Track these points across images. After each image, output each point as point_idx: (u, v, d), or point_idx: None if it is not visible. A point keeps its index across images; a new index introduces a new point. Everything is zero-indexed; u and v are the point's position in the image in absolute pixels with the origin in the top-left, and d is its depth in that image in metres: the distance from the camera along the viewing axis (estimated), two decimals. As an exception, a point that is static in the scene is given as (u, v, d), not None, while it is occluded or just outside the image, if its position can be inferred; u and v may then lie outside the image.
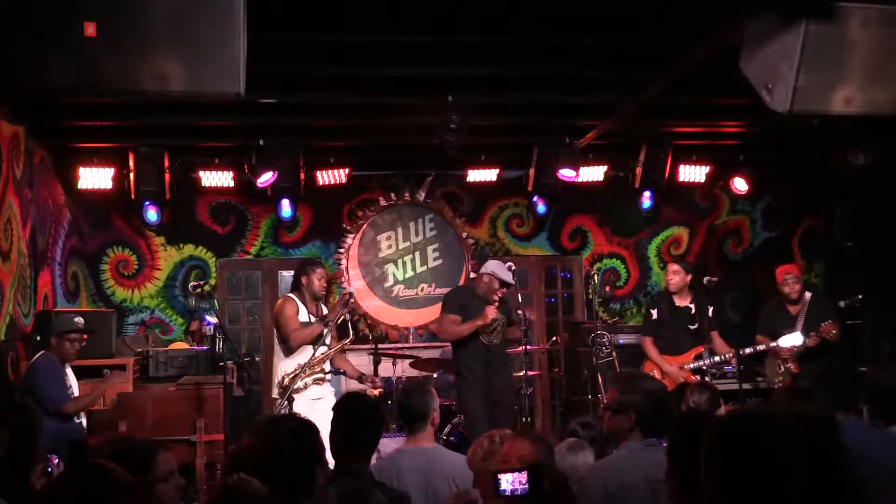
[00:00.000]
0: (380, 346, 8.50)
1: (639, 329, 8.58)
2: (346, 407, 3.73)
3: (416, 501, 3.50)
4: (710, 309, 6.72)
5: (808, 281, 7.41)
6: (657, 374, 6.49)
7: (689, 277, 6.73)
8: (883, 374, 4.71)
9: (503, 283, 6.20)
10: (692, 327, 6.58)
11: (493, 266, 6.33)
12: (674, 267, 6.81)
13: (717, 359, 6.51)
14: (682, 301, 6.68)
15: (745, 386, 7.14)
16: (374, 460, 3.84)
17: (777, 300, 7.03)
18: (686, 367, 6.48)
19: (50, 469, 3.51)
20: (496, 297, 6.21)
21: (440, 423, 6.98)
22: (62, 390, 5.69)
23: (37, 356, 5.75)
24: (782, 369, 6.66)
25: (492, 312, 6.07)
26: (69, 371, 5.90)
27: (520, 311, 6.19)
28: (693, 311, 6.62)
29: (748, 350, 6.55)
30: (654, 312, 6.77)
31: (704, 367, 6.51)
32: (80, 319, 6.09)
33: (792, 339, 6.54)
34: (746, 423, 1.84)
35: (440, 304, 8.87)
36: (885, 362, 7.22)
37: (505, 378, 6.26)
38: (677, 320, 6.62)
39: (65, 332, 5.86)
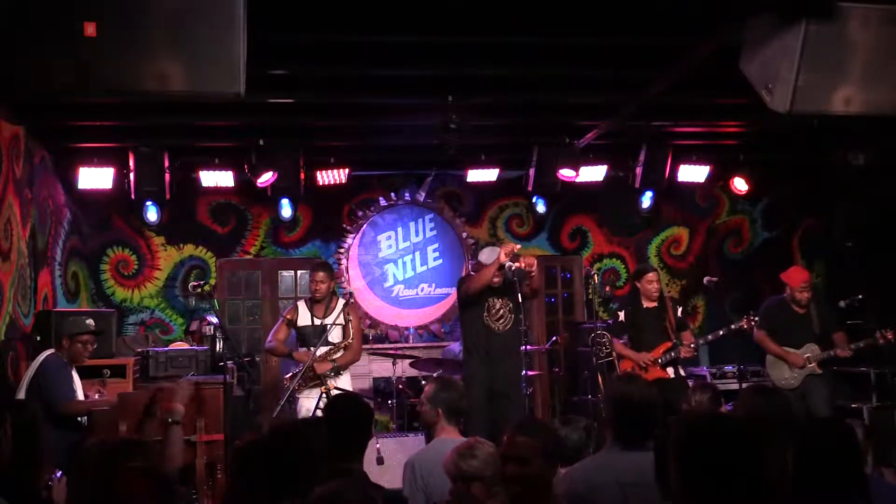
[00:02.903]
0: (380, 345, 8.55)
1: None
2: (337, 408, 3.73)
3: None
4: (679, 309, 6.91)
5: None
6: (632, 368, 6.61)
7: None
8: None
9: (481, 263, 6.25)
10: (660, 324, 6.70)
11: (483, 253, 6.41)
12: (655, 276, 6.89)
13: (691, 345, 6.68)
14: (649, 303, 6.80)
15: (745, 385, 7.16)
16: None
17: (779, 299, 7.03)
18: (657, 362, 6.58)
19: (51, 483, 3.50)
20: (496, 284, 6.23)
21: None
22: (69, 389, 5.68)
23: (47, 354, 5.73)
24: (800, 368, 6.71)
25: (507, 249, 6.03)
26: (74, 373, 5.89)
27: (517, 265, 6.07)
28: (659, 311, 6.75)
29: (721, 332, 6.69)
30: (622, 314, 6.90)
31: (675, 357, 6.59)
32: (91, 321, 6.03)
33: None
34: (701, 427, 2.07)
35: (440, 304, 9.01)
36: (885, 362, 7.22)
37: (507, 368, 6.18)
38: (645, 321, 6.75)
39: (77, 333, 5.84)
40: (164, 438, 3.95)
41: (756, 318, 6.63)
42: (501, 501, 3.01)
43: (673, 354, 6.58)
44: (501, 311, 6.32)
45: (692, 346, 6.73)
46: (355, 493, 2.55)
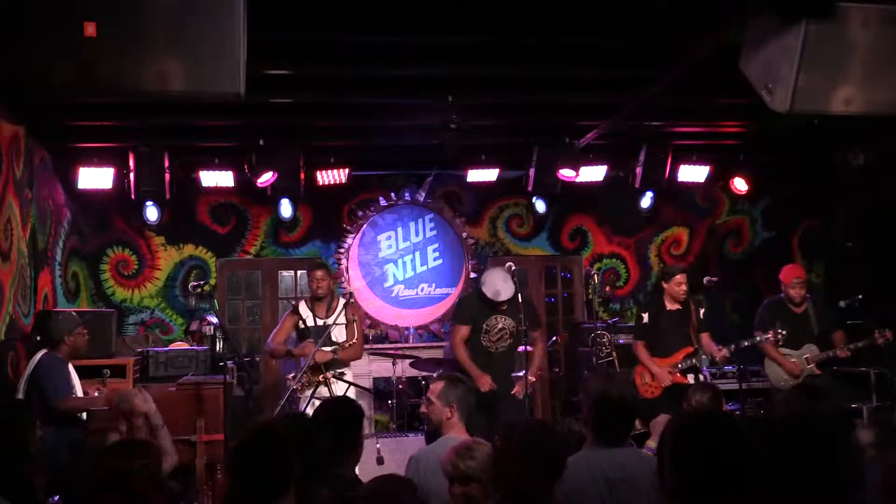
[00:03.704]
0: (380, 345, 8.55)
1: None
2: (328, 413, 3.73)
3: None
4: (702, 311, 6.73)
5: (808, 281, 7.44)
6: (648, 378, 6.53)
7: None
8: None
9: (495, 302, 6.29)
10: (683, 329, 6.57)
11: (488, 285, 6.31)
12: (684, 277, 6.65)
13: (704, 357, 6.57)
14: (672, 305, 6.65)
15: (745, 385, 7.16)
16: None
17: (777, 299, 7.02)
18: (677, 367, 6.45)
19: None
20: (500, 308, 6.33)
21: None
22: (66, 386, 5.69)
23: (41, 354, 5.75)
24: (802, 370, 6.69)
25: (485, 385, 6.11)
26: (72, 370, 5.90)
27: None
28: (683, 314, 6.61)
29: (744, 344, 6.58)
30: (646, 316, 6.74)
31: (696, 364, 6.48)
32: (74, 313, 6.25)
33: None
34: (694, 425, 2.15)
35: (440, 304, 9.01)
36: (884, 362, 7.22)
37: (505, 384, 6.26)
38: (668, 323, 6.61)
39: (74, 328, 5.88)
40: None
41: (783, 332, 6.49)
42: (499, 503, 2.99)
43: (693, 361, 6.45)
44: (501, 331, 6.36)
45: (721, 351, 6.47)
46: (410, 493, 2.55)
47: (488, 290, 6.29)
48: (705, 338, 6.64)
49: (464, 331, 6.40)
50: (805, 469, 2.16)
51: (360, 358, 6.49)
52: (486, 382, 6.13)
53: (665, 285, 6.69)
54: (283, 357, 6.64)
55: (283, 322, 6.50)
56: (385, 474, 3.10)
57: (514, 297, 6.24)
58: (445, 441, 3.87)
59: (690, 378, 6.42)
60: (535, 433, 2.92)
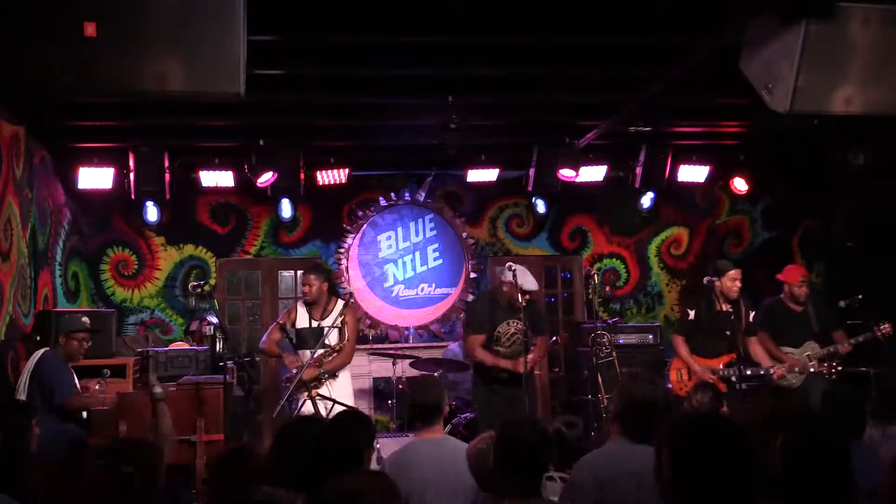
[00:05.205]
0: (380, 346, 8.55)
1: (639, 328, 8.67)
2: (338, 427, 3.76)
3: (432, 489, 3.59)
4: (752, 314, 6.51)
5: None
6: (684, 375, 6.43)
7: None
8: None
9: (525, 291, 6.11)
10: (728, 333, 6.31)
11: (512, 274, 6.17)
12: (738, 273, 6.35)
13: (749, 371, 6.29)
14: (722, 304, 6.37)
15: (745, 386, 7.16)
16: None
17: (776, 300, 7.02)
18: (717, 372, 6.29)
19: None
20: (520, 305, 6.12)
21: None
22: (70, 384, 5.69)
23: (44, 351, 5.75)
24: (806, 368, 6.59)
25: (517, 367, 6.09)
26: (71, 370, 5.91)
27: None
28: (732, 316, 6.32)
29: (783, 368, 6.47)
30: (692, 313, 6.50)
31: (734, 378, 6.25)
32: (86, 319, 6.10)
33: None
34: (691, 426, 2.18)
35: (440, 304, 9.01)
36: (885, 363, 7.22)
37: (512, 390, 6.23)
38: (714, 324, 6.38)
39: (72, 331, 5.86)
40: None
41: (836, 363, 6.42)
42: None
43: (732, 371, 6.24)
44: (513, 336, 6.31)
45: (773, 371, 6.33)
46: (375, 493, 2.57)
47: (521, 277, 6.11)
48: (753, 342, 6.48)
49: (480, 339, 6.33)
50: (789, 471, 2.19)
51: (348, 363, 6.36)
52: (516, 365, 6.13)
53: (717, 282, 6.34)
54: (275, 358, 6.62)
55: (275, 324, 6.46)
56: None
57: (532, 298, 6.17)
58: (413, 444, 3.97)
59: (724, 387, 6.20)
60: (514, 430, 3.08)
